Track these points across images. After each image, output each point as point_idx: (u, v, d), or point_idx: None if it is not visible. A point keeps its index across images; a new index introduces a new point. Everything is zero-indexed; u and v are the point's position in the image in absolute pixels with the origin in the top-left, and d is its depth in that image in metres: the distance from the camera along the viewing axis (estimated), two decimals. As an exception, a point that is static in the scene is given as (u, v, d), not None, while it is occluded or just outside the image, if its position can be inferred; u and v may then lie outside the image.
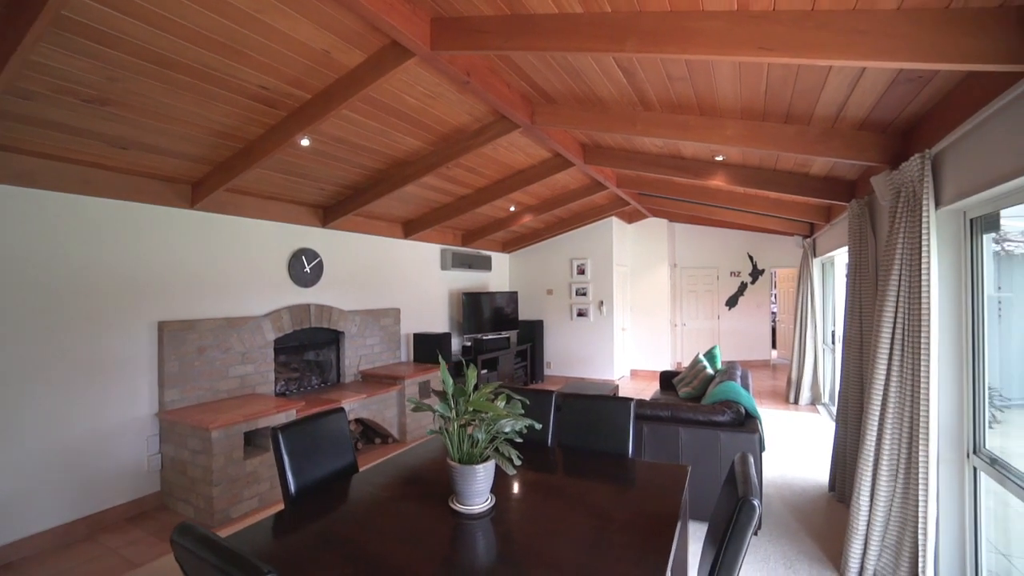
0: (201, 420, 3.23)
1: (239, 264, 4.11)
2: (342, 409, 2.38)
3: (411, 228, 5.97)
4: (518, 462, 1.71)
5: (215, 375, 3.80)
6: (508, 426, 1.77)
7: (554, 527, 1.70)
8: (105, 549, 2.98)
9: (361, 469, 2.30)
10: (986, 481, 2.24)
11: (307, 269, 4.65)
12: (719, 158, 4.10)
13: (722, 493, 1.64)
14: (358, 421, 4.77)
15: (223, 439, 3.24)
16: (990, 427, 2.34)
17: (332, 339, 5.00)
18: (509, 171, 5.04)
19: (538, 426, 1.88)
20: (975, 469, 2.25)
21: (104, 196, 3.27)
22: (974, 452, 2.26)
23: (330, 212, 4.79)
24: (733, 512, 1.33)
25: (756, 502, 1.32)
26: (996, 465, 2.10)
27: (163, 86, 2.56)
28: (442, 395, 1.85)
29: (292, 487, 2.01)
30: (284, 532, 1.73)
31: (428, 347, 5.87)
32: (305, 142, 3.38)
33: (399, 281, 6.00)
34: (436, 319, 6.74)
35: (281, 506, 3.45)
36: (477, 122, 3.70)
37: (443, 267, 6.79)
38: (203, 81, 2.58)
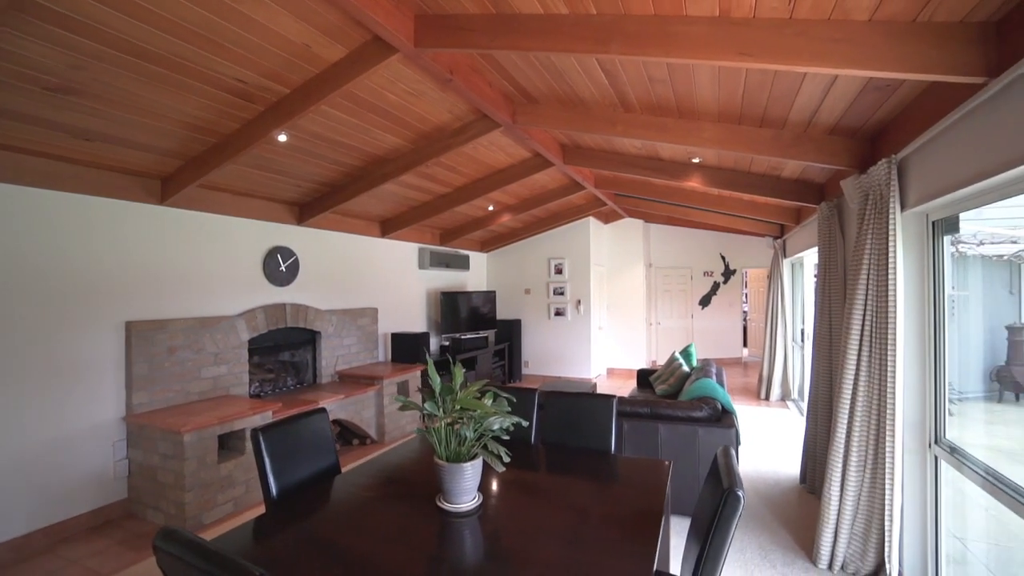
0: (172, 423, 3.12)
1: (212, 262, 3.99)
2: (324, 409, 2.34)
3: (389, 227, 5.90)
4: (507, 459, 1.72)
5: (186, 377, 3.67)
6: (496, 423, 1.77)
7: (542, 523, 1.72)
8: (66, 561, 2.84)
9: (343, 470, 2.27)
10: (946, 469, 2.36)
11: (282, 268, 4.54)
12: (696, 160, 4.20)
13: (705, 486, 1.68)
14: (335, 422, 4.68)
15: (196, 442, 3.14)
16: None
17: (308, 339, 4.90)
18: (489, 170, 5.04)
19: (525, 423, 1.89)
20: (936, 458, 2.38)
21: (67, 190, 3.12)
22: (935, 442, 2.39)
23: (306, 209, 4.69)
24: (719, 503, 1.37)
25: (741, 493, 1.36)
26: (955, 454, 2.22)
27: (132, 76, 2.46)
28: (430, 393, 1.84)
29: (273, 489, 1.96)
30: (267, 535, 1.69)
31: (406, 347, 5.82)
32: (282, 138, 3.31)
33: (376, 280, 5.93)
34: (414, 319, 6.68)
35: (258, 510, 3.38)
36: (458, 120, 3.68)
37: (421, 266, 6.74)
38: (176, 72, 2.49)
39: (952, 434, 2.42)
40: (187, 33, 2.23)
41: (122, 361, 3.37)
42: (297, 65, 2.62)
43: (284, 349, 4.74)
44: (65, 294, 3.11)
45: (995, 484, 1.91)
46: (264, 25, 2.27)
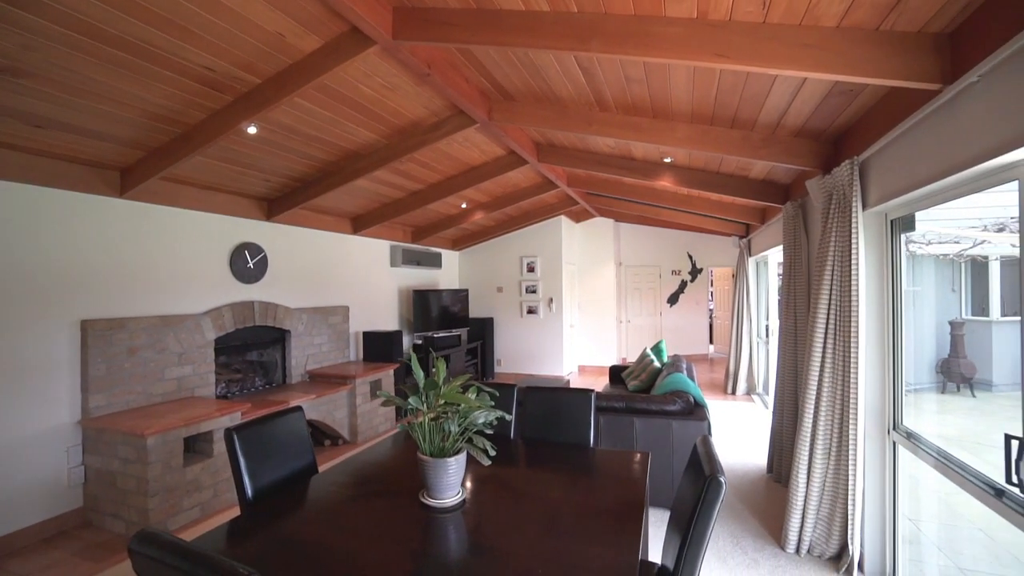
0: (134, 426, 2.97)
1: (175, 258, 3.82)
2: (300, 408, 2.29)
3: (360, 223, 5.79)
4: (493, 452, 1.72)
5: (149, 378, 3.51)
6: (481, 417, 1.77)
7: (527, 516, 1.73)
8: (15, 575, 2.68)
9: (320, 469, 2.22)
10: (902, 454, 2.50)
11: (250, 264, 4.39)
12: (667, 160, 4.30)
13: (685, 475, 1.73)
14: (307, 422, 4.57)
15: (160, 446, 3.00)
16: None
17: (277, 338, 4.76)
18: (463, 167, 5.01)
19: (508, 417, 1.90)
20: (894, 444, 2.51)
21: (14, 180, 2.93)
22: (893, 429, 2.52)
23: (276, 205, 4.55)
24: (702, 489, 1.41)
25: (722, 479, 1.41)
26: (912, 439, 2.36)
27: (90, 60, 2.32)
28: (413, 388, 1.82)
29: (249, 491, 1.90)
30: (244, 537, 1.64)
31: (378, 345, 5.73)
32: (252, 130, 3.20)
33: (348, 278, 5.81)
34: (386, 317, 6.59)
35: (227, 515, 3.26)
36: (434, 116, 3.65)
37: (392, 264, 6.65)
38: (139, 58, 2.37)
39: (906, 422, 2.57)
40: (152, 16, 2.13)
41: (77, 362, 3.19)
42: (270, 55, 2.54)
43: (252, 348, 4.59)
44: (12, 291, 2.91)
45: (947, 465, 2.04)
46: (236, 12, 2.19)
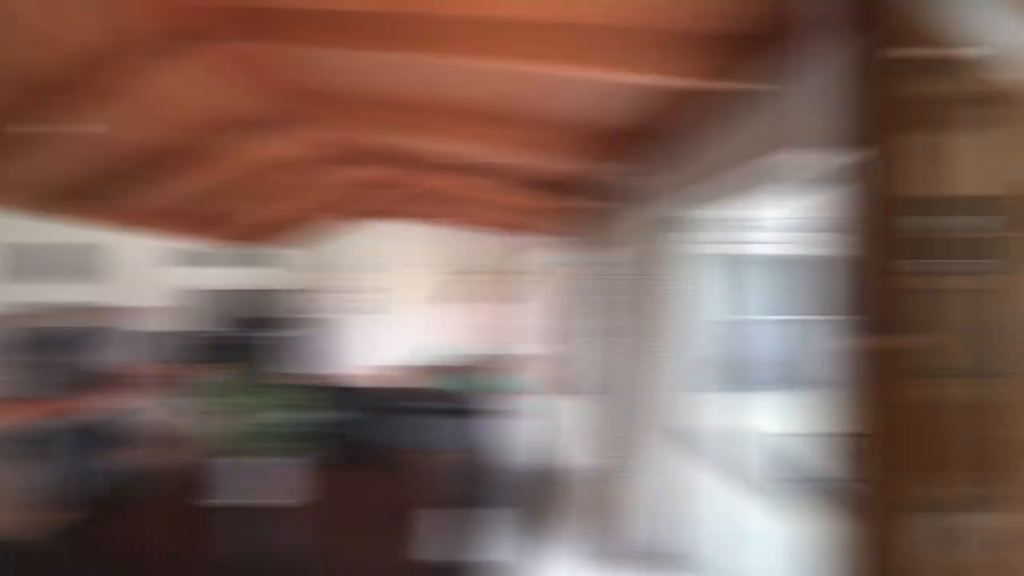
0: None
1: None
2: (104, 411, 1.86)
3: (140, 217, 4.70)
4: (308, 454, 1.67)
5: None
6: (287, 416, 1.51)
7: (320, 515, 1.71)
8: None
9: (116, 479, 2.06)
10: (674, 452, 2.66)
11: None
12: (462, 161, 4.13)
13: (517, 475, 1.61)
14: (102, 429, 3.64)
15: None
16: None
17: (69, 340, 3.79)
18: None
19: (323, 418, 1.70)
20: (680, 441, 2.65)
21: None
22: (674, 427, 2.66)
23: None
24: (535, 489, 1.27)
25: (552, 478, 1.28)
26: (686, 437, 2.53)
27: None
28: (213, 389, 1.48)
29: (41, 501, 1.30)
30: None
31: (184, 347, 4.99)
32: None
33: (132, 275, 5.03)
34: (186, 317, 5.80)
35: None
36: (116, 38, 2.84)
37: (202, 263, 6.15)
38: None
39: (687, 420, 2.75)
40: None
41: None
42: None
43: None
44: None
45: (716, 463, 2.20)
46: None
